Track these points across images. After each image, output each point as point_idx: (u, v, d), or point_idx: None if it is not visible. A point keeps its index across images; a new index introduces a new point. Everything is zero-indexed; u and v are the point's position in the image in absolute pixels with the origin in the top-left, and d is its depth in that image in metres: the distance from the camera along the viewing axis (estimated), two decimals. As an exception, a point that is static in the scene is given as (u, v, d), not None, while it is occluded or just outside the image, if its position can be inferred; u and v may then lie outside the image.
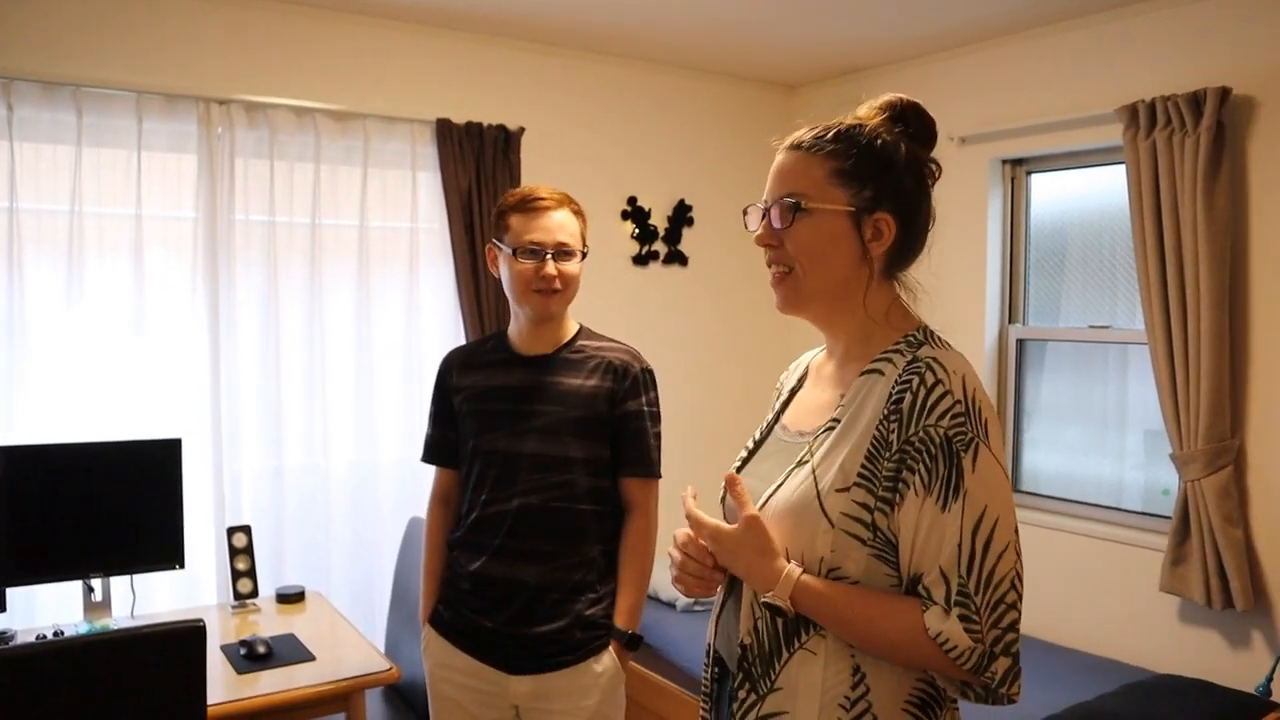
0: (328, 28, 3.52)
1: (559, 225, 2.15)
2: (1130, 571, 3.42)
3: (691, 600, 3.84)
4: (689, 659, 3.54)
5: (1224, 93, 3.00)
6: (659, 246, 4.35)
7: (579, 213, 2.22)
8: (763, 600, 1.30)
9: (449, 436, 2.29)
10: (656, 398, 2.25)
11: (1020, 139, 3.75)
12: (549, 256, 2.13)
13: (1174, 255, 3.11)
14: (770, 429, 1.51)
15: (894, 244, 1.35)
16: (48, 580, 2.80)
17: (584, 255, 2.21)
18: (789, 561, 1.30)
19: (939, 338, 1.35)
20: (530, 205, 2.15)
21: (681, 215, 4.38)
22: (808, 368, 1.55)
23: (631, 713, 3.91)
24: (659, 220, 4.35)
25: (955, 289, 3.98)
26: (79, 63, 3.10)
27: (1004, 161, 3.89)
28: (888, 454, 1.25)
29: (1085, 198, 3.75)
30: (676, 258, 4.40)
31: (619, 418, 2.19)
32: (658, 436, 2.24)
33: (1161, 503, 3.47)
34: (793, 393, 1.54)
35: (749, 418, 4.51)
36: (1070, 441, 3.78)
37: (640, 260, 4.30)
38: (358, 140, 3.56)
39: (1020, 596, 1.23)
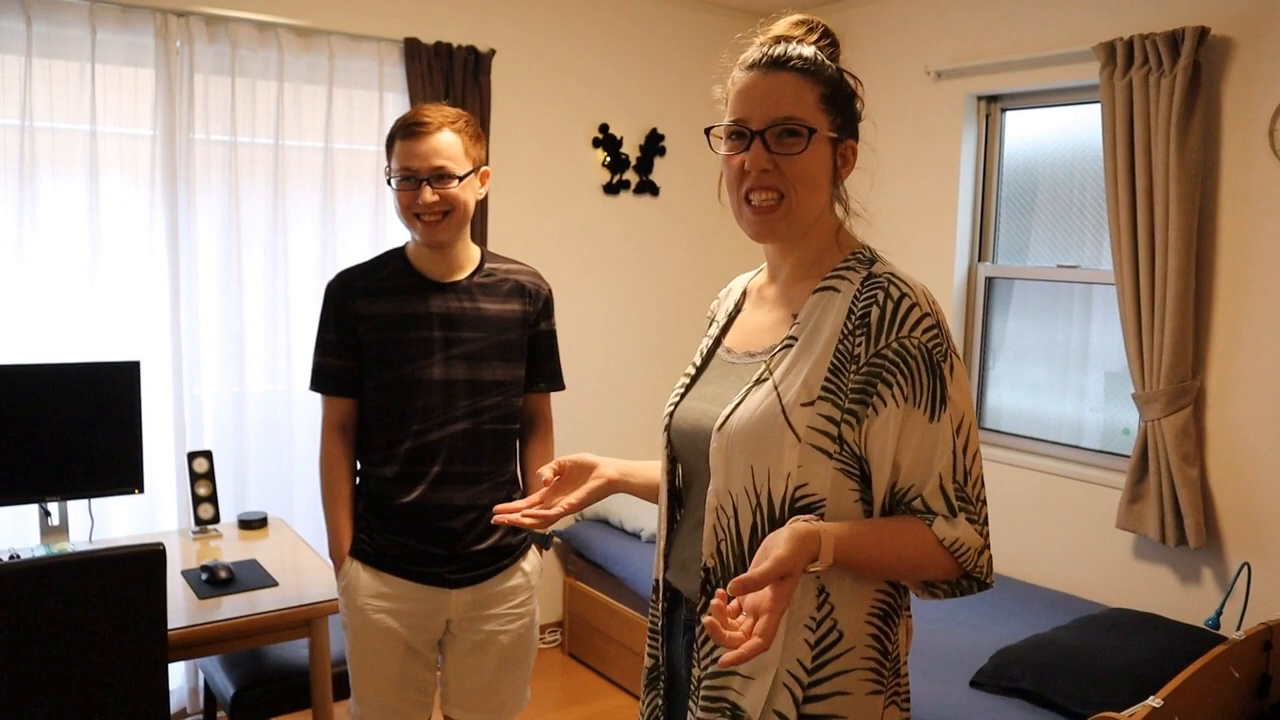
0: (291, -61, 3.39)
1: (434, 149, 2.06)
2: (1088, 509, 3.48)
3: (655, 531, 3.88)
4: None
5: (1202, 32, 2.98)
6: (630, 176, 4.29)
7: (466, 130, 2.12)
8: (811, 571, 1.20)
9: (350, 366, 2.19)
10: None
11: (996, 75, 3.71)
12: (425, 182, 2.06)
13: (1144, 195, 3.11)
14: (711, 353, 1.50)
15: (852, 165, 1.39)
16: (2, 503, 2.75)
17: (476, 174, 2.14)
18: (812, 521, 1.22)
19: (882, 255, 1.38)
20: (411, 129, 2.07)
21: (653, 144, 4.32)
22: (745, 290, 1.54)
23: (598, 642, 3.97)
24: (630, 149, 4.28)
25: (926, 225, 3.97)
26: (28, -32, 2.97)
27: (979, 98, 3.86)
28: (854, 367, 1.27)
29: (1056, 137, 3.73)
30: (648, 187, 4.34)
31: (533, 338, 2.27)
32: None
33: (1121, 442, 3.52)
34: (730, 317, 1.53)
35: (717, 351, 4.51)
36: (1033, 380, 3.82)
37: (611, 189, 4.25)
38: (322, 58, 3.46)
39: (986, 492, 1.32)
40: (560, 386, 2.37)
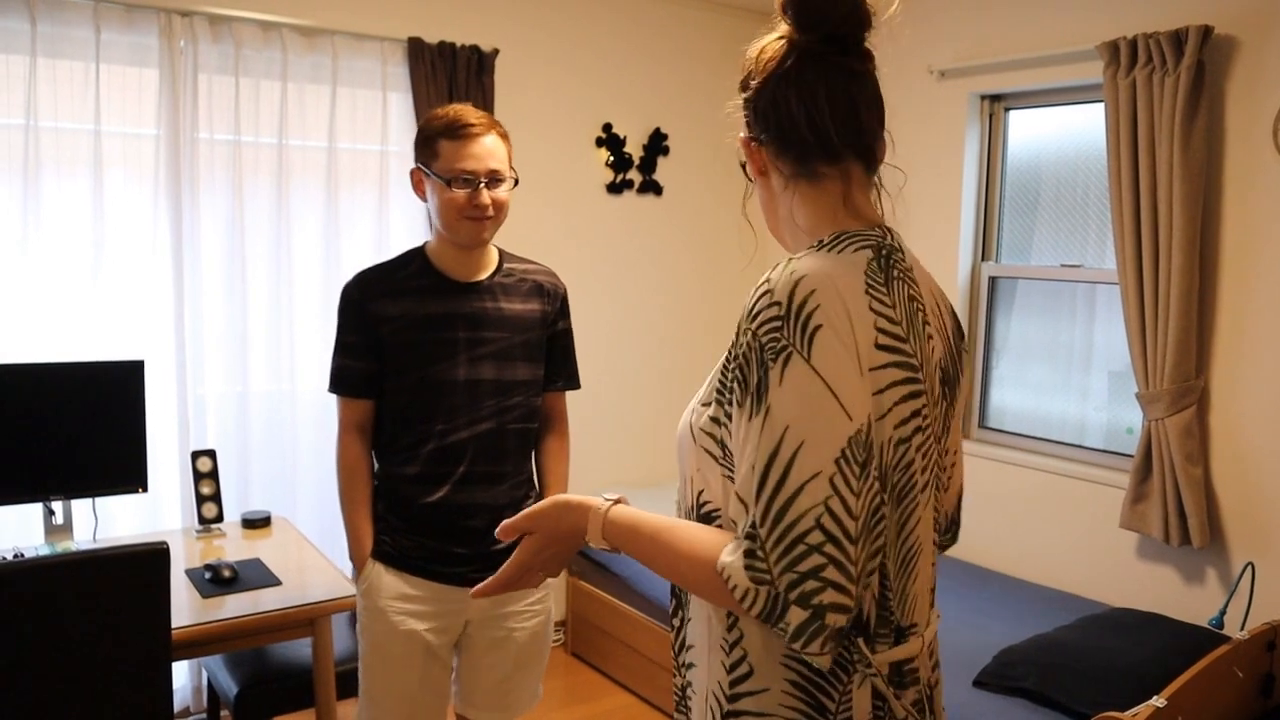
0: (294, -61, 3.40)
1: (489, 152, 2.10)
2: (1091, 508, 3.47)
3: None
4: (660, 590, 3.58)
5: (1206, 31, 2.97)
6: (634, 175, 4.29)
7: (505, 136, 2.17)
8: (592, 545, 1.26)
9: (371, 367, 2.17)
10: None
11: (1000, 74, 3.70)
12: (482, 184, 2.09)
13: (1148, 194, 3.11)
14: None
15: (771, 149, 1.24)
16: (6, 502, 2.76)
17: (515, 181, 2.18)
18: (599, 500, 1.25)
19: (848, 243, 1.18)
20: (461, 131, 2.08)
21: (657, 144, 4.32)
22: None
23: (601, 641, 3.97)
24: (634, 149, 4.28)
25: (929, 224, 3.97)
26: (33, -32, 2.97)
27: (983, 97, 3.85)
28: (731, 364, 1.16)
29: (1060, 136, 3.73)
30: (651, 187, 4.34)
31: (552, 337, 2.30)
32: None
33: (1124, 441, 3.52)
34: None
35: (721, 347, 4.51)
36: (1037, 379, 3.81)
37: (614, 189, 4.25)
38: (326, 58, 3.46)
39: (834, 539, 1.04)
40: (576, 385, 2.41)
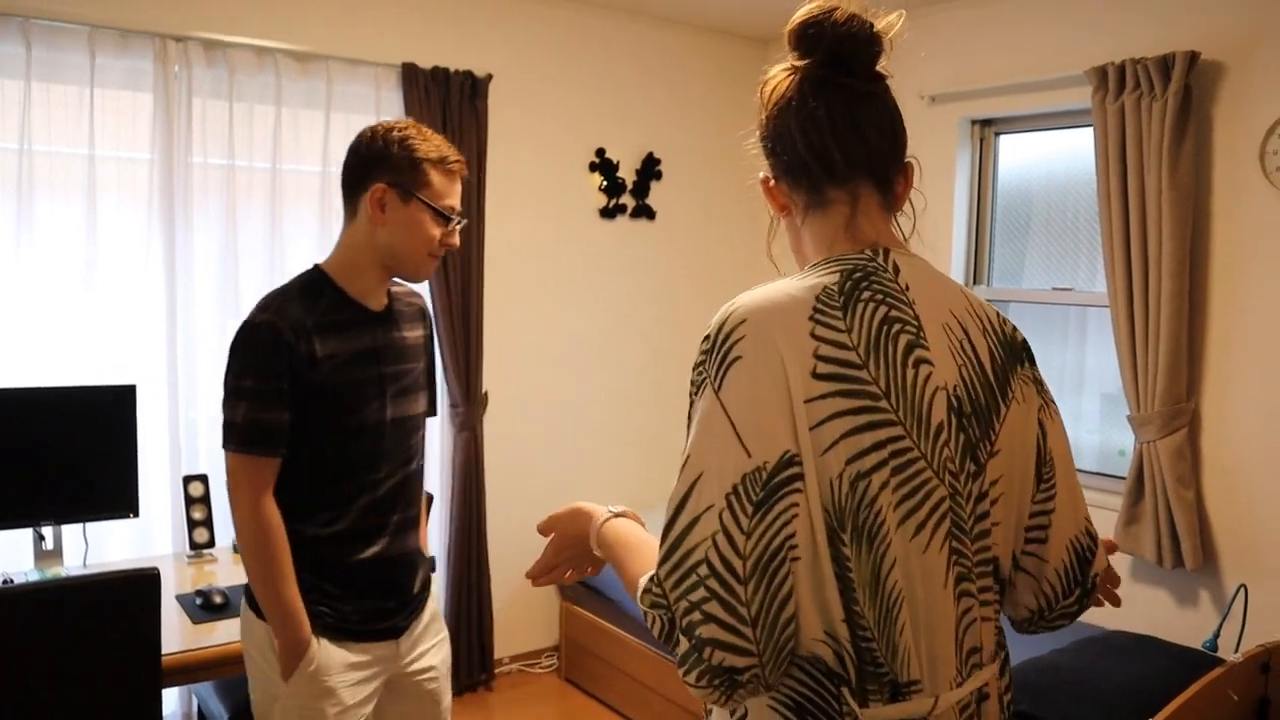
0: (289, -35, 3.42)
1: (460, 192, 2.04)
2: (1084, 531, 3.47)
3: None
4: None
5: (1192, 57, 3.01)
6: (627, 200, 4.31)
7: None
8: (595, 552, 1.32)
9: (292, 417, 1.91)
10: None
11: (990, 99, 3.74)
12: (455, 223, 2.00)
13: (1138, 218, 3.13)
14: None
15: (785, 183, 1.21)
16: (-3, 527, 2.74)
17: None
18: (603, 510, 1.30)
19: (822, 268, 1.16)
20: (451, 165, 1.97)
21: (650, 168, 4.33)
22: None
23: (595, 666, 3.95)
24: (627, 173, 4.30)
25: (921, 249, 3.98)
26: (28, -6, 2.99)
27: (973, 122, 3.89)
28: None
29: (1050, 160, 3.76)
30: (644, 211, 4.36)
31: (428, 360, 2.18)
32: None
33: (1116, 463, 3.53)
34: None
35: (713, 374, 4.51)
36: (1030, 402, 3.83)
37: (607, 213, 4.26)
38: (320, 82, 3.48)
39: (717, 575, 1.02)
40: (435, 412, 2.26)
